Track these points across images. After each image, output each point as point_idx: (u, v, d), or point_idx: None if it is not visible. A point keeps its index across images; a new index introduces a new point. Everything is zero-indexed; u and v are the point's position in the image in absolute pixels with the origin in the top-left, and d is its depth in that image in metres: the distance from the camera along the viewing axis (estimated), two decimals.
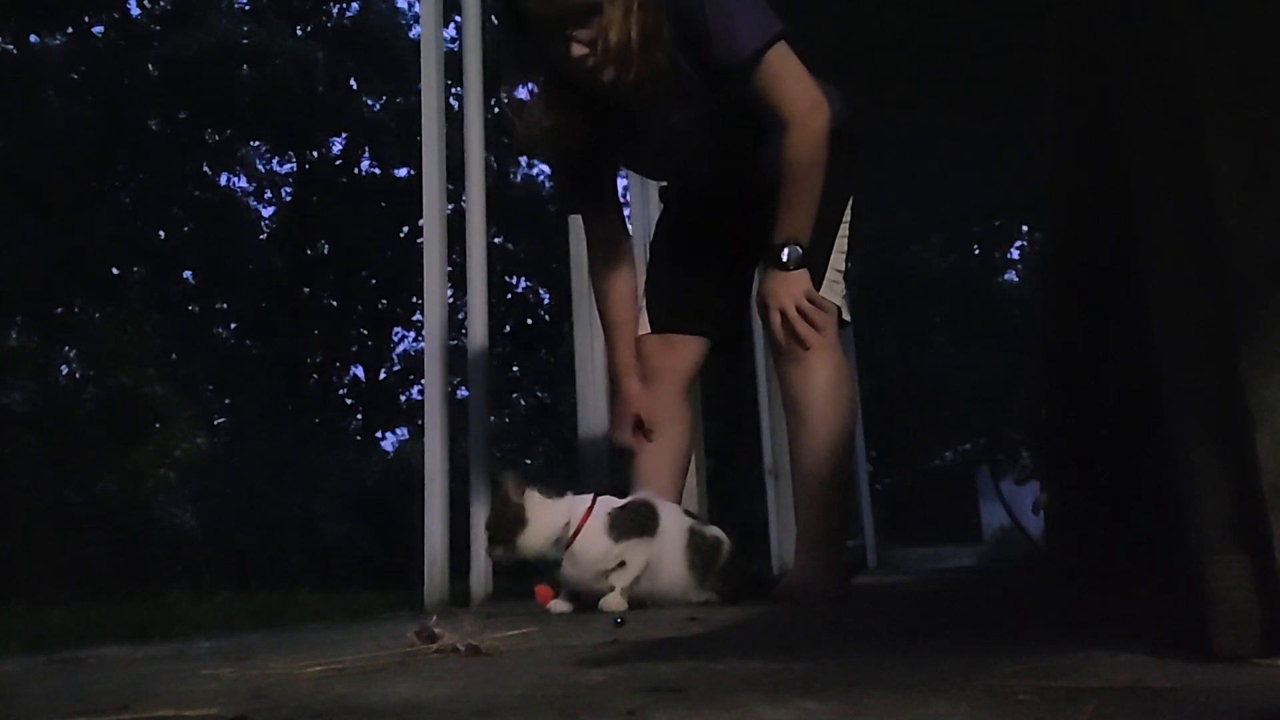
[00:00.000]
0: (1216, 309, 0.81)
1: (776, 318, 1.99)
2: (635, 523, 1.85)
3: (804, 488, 2.03)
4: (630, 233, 2.43)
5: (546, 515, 1.84)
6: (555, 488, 1.92)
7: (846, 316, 2.11)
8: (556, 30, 1.82)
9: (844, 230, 2.11)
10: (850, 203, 2.13)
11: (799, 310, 1.97)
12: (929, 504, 20.36)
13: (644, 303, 2.28)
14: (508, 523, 1.82)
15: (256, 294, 16.00)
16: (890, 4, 3.94)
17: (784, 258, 1.96)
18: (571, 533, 1.82)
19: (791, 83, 1.88)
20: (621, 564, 1.83)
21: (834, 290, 2.07)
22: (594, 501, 1.87)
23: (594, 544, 1.82)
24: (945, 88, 4.53)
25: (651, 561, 1.85)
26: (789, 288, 1.98)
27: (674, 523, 1.92)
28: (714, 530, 1.99)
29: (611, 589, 1.83)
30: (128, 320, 10.00)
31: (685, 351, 2.23)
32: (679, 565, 1.89)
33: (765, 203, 2.01)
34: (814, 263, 2.02)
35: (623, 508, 1.88)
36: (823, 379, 2.01)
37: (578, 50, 1.82)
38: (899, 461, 20.54)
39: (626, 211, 2.59)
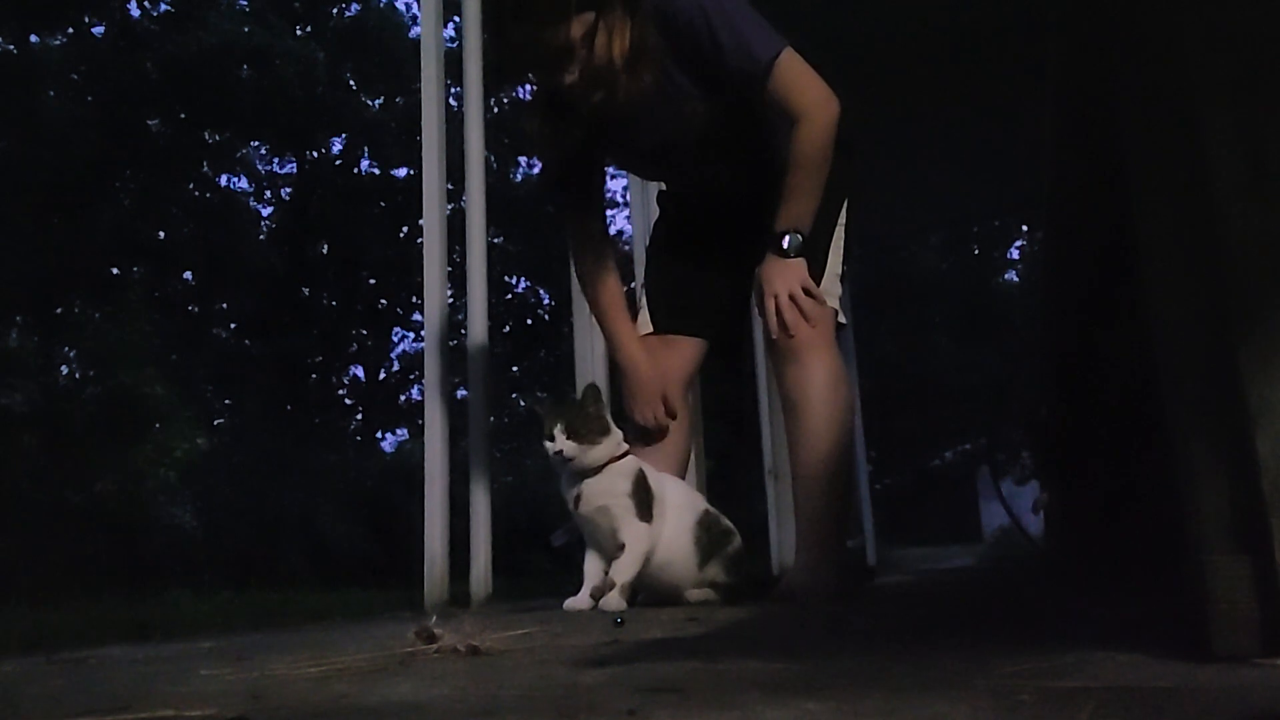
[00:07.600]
0: (1216, 309, 0.81)
1: (771, 304, 2.01)
2: (647, 490, 1.93)
3: (803, 488, 2.04)
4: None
5: (616, 437, 1.94)
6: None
7: (843, 319, 2.13)
8: (538, 67, 1.88)
9: (840, 233, 2.13)
10: (846, 205, 2.14)
11: (793, 299, 1.99)
12: (929, 504, 20.37)
13: (644, 302, 2.28)
14: (591, 425, 1.90)
15: (256, 294, 15.99)
16: (891, 5, 3.94)
17: (785, 245, 1.98)
18: (612, 458, 1.92)
19: (805, 80, 1.94)
20: (621, 546, 1.86)
21: (831, 292, 2.08)
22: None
23: (623, 473, 1.91)
24: (945, 88, 4.52)
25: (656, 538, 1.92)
26: (786, 275, 1.99)
27: (684, 499, 2.00)
28: (728, 522, 2.04)
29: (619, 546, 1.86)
30: (128, 320, 9.97)
31: (684, 352, 2.23)
32: (685, 539, 1.95)
33: (763, 205, 2.02)
34: (811, 264, 2.03)
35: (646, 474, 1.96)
36: (820, 379, 2.02)
37: (565, 78, 1.85)
38: (899, 461, 20.54)
39: (625, 213, 2.59)
